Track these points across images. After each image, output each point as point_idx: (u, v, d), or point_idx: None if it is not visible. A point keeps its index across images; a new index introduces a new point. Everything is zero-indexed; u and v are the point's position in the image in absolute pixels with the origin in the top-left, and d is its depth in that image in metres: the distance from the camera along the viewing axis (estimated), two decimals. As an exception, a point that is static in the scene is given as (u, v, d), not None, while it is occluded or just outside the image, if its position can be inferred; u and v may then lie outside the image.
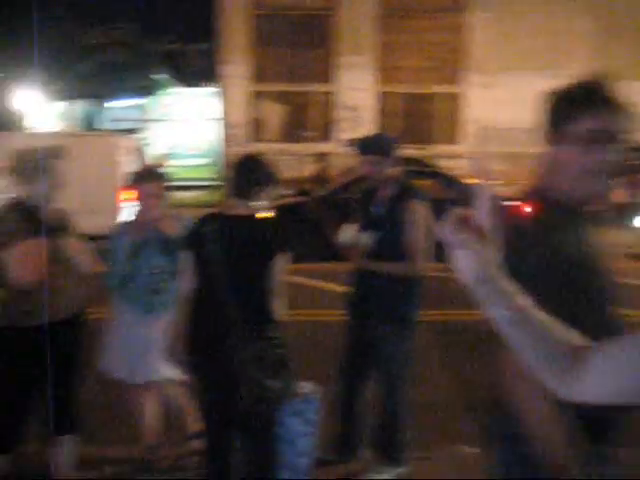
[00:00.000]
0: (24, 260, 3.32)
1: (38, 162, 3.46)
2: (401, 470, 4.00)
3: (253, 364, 3.02)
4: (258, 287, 3.14)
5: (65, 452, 3.76)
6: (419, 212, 3.82)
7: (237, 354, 3.03)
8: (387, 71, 19.21)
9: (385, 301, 3.87)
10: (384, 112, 19.48)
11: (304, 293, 8.96)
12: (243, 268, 3.12)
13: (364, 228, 3.92)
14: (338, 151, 16.59)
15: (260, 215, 3.29)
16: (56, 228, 3.50)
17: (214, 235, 3.13)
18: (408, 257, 3.79)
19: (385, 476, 3.99)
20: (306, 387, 3.57)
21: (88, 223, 8.19)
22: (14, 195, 3.55)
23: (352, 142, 4.12)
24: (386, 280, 3.82)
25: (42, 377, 3.42)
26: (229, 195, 3.31)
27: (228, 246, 3.12)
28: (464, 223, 1.31)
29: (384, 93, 19.45)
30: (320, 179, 16.00)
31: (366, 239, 3.86)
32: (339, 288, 8.64)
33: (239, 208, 3.22)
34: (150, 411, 4.02)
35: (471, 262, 1.30)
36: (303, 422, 3.53)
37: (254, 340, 3.05)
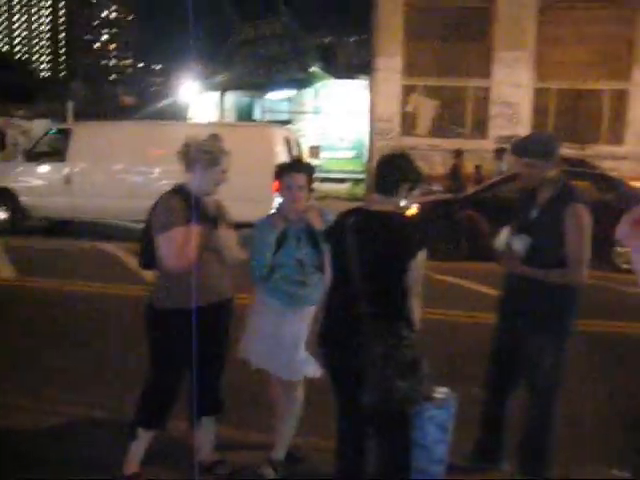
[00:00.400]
0: (181, 245, 3.44)
1: (204, 152, 3.56)
2: (543, 487, 3.77)
3: (381, 362, 2.95)
4: (394, 284, 3.07)
5: (206, 433, 3.88)
6: (581, 216, 3.57)
7: (366, 351, 2.97)
8: (547, 66, 18.38)
9: (540, 309, 3.65)
10: (542, 109, 18.66)
11: (449, 293, 8.76)
12: (380, 264, 3.07)
13: (519, 231, 3.72)
14: (492, 148, 16.05)
15: (402, 212, 3.22)
16: (212, 217, 3.60)
17: (353, 229, 3.10)
18: (570, 264, 3.56)
19: (525, 491, 3.77)
20: (442, 392, 3.46)
21: (244, 211, 8.47)
22: (179, 182, 3.68)
23: (508, 140, 3.92)
24: (542, 287, 3.61)
25: (192, 358, 3.53)
26: (373, 190, 3.26)
27: (366, 241, 3.07)
28: None
29: (543, 89, 18.63)
30: (453, 176, 15.50)
31: (521, 243, 3.66)
32: (484, 289, 8.40)
33: (381, 204, 3.17)
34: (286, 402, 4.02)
35: None
36: (437, 428, 3.42)
37: (385, 338, 2.98)
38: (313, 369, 3.76)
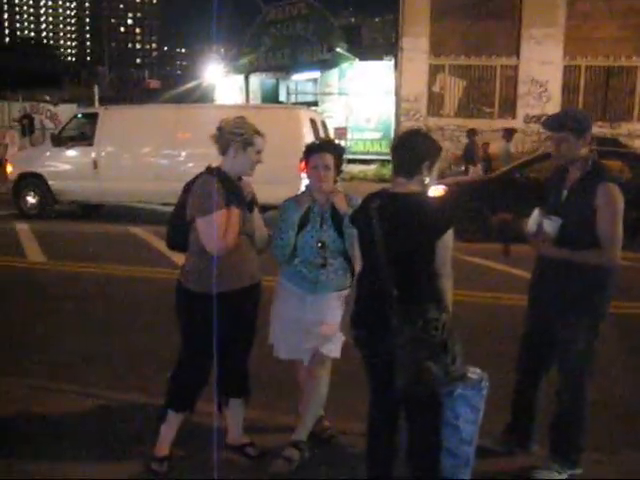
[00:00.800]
0: (222, 229, 3.42)
1: (237, 134, 3.53)
2: (574, 472, 3.73)
3: (412, 345, 2.93)
4: (421, 266, 3.05)
5: (234, 415, 3.89)
6: (613, 195, 3.48)
7: (397, 333, 2.95)
8: (577, 43, 18.06)
9: (572, 291, 3.58)
10: (572, 87, 18.35)
11: (477, 274, 8.69)
12: (406, 246, 3.04)
13: (550, 213, 3.65)
14: (521, 127, 15.81)
15: (427, 190, 3.17)
16: (249, 200, 3.57)
17: (378, 213, 3.06)
18: (603, 244, 3.48)
19: (555, 476, 3.72)
20: (474, 372, 3.43)
21: (271, 194, 8.40)
22: (212, 164, 3.65)
23: (538, 119, 3.83)
24: (575, 269, 3.54)
25: (224, 341, 3.53)
26: (394, 172, 3.22)
27: (391, 224, 3.04)
28: None
29: (573, 66, 18.31)
30: (465, 156, 15.32)
31: (552, 225, 3.59)
32: (512, 270, 8.31)
33: (405, 185, 3.12)
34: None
35: None
36: (469, 408, 3.40)
37: (414, 320, 2.95)
38: (330, 348, 3.75)
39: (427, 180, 3.15)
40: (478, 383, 3.43)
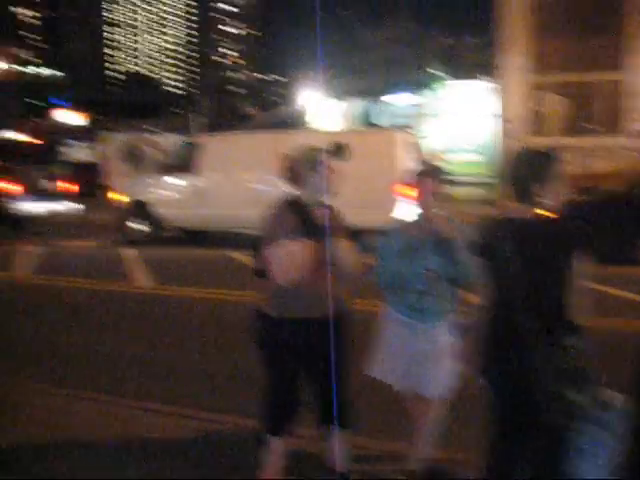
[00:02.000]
0: (288, 259, 3.41)
1: (312, 161, 3.54)
2: None
3: (552, 375, 2.81)
4: (555, 293, 2.93)
5: (337, 442, 3.83)
6: None
7: (534, 364, 2.85)
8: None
9: None
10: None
11: (597, 300, 8.30)
12: (538, 274, 2.92)
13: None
14: (628, 145, 15.19)
15: (548, 216, 3.03)
16: (326, 228, 3.54)
17: (505, 242, 2.95)
18: None
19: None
20: (613, 396, 3.26)
21: (366, 217, 8.31)
22: (290, 192, 3.66)
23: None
24: None
25: (305, 369, 3.55)
26: (509, 194, 3.10)
27: (520, 252, 2.93)
28: None
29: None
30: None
31: None
32: (627, 295, 7.91)
33: (524, 211, 3.00)
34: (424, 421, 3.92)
35: None
36: (608, 434, 3.23)
37: (552, 349, 2.84)
38: (446, 388, 3.67)
39: (544, 203, 3.02)
40: (617, 408, 3.27)
